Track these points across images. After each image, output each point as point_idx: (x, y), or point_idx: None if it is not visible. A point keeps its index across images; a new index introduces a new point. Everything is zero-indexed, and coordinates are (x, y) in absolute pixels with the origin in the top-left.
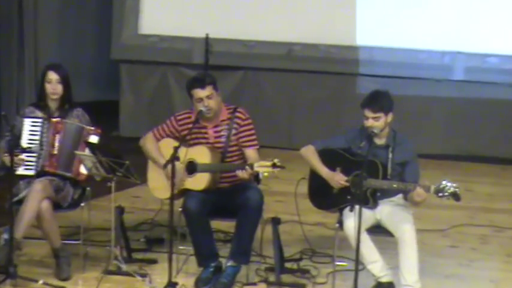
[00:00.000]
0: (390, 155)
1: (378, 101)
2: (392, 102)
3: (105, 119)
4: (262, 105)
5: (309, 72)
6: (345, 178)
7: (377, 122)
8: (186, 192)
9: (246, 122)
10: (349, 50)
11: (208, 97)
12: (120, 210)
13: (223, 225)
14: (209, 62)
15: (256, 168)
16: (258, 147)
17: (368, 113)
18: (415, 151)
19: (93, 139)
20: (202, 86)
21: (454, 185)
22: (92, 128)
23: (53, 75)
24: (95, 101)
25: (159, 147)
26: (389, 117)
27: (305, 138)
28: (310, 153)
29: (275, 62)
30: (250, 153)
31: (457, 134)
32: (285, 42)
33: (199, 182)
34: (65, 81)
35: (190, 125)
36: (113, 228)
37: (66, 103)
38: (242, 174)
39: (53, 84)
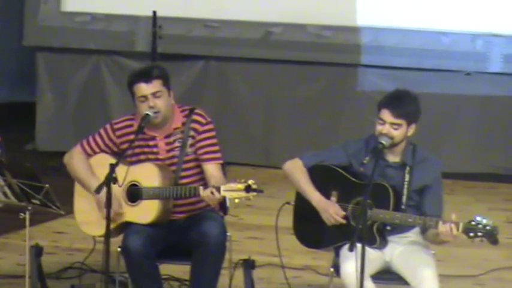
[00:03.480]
0: (407, 178)
1: (404, 103)
2: (420, 112)
3: (16, 128)
4: (229, 108)
5: (292, 62)
6: (343, 213)
7: (395, 130)
8: (127, 227)
9: (206, 128)
10: (348, 33)
11: (154, 95)
12: (38, 251)
13: (178, 271)
14: (158, 50)
15: (223, 193)
16: (221, 161)
17: (387, 115)
18: (439, 174)
19: None
20: (147, 80)
21: (491, 222)
22: None
23: None
24: (1, 104)
25: (90, 165)
26: (411, 129)
27: (287, 153)
28: (297, 169)
29: (247, 49)
30: (212, 170)
31: (495, 146)
32: (261, 22)
33: (145, 212)
34: None
35: (132, 136)
36: (28, 276)
37: None
38: (208, 194)
39: None
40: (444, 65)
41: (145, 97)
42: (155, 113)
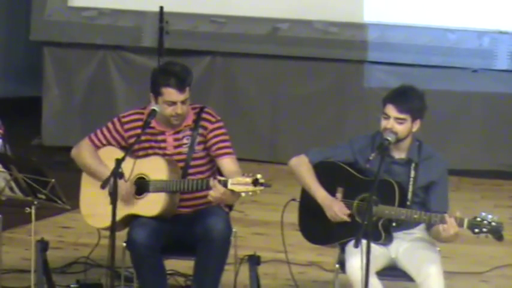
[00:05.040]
0: (412, 174)
1: (408, 98)
2: (426, 108)
3: (23, 123)
4: (235, 103)
5: (299, 58)
6: (347, 211)
7: (399, 125)
8: (132, 220)
9: (216, 126)
10: (354, 29)
11: (183, 102)
12: (43, 246)
13: (183, 266)
14: (164, 45)
15: (230, 186)
16: (235, 156)
17: (391, 110)
18: (445, 170)
19: None
20: (181, 88)
21: (496, 218)
22: None
23: None
24: (7, 98)
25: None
26: (416, 125)
27: (293, 149)
28: (303, 166)
29: (253, 45)
30: (228, 164)
31: (501, 143)
32: (268, 18)
33: (151, 205)
34: None
35: (140, 130)
36: (33, 270)
37: None
38: (215, 194)
39: None
40: (451, 62)
41: (174, 103)
42: (177, 118)
